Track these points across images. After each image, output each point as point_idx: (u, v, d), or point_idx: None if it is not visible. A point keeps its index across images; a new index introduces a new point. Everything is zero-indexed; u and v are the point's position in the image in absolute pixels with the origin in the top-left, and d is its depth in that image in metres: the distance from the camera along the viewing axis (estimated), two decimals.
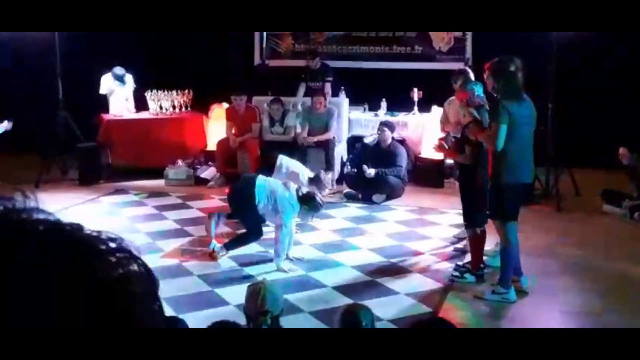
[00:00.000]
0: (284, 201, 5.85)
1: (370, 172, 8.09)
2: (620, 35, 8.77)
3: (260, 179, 6.12)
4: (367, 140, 8.34)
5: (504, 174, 5.02)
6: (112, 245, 0.63)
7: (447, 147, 6.14)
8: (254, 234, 6.14)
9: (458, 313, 5.03)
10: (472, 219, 5.55)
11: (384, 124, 8.41)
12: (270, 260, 5.95)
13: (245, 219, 6.22)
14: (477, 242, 5.59)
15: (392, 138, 8.40)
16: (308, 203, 5.92)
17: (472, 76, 6.34)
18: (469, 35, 10.12)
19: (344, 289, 5.41)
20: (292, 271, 5.77)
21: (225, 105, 9.67)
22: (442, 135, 6.83)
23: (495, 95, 5.20)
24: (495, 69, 5.19)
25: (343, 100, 9.70)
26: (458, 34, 10.20)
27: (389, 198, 8.17)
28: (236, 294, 4.89)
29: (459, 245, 6.40)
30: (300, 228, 6.72)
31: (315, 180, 6.87)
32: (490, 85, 5.23)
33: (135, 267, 0.63)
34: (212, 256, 6.07)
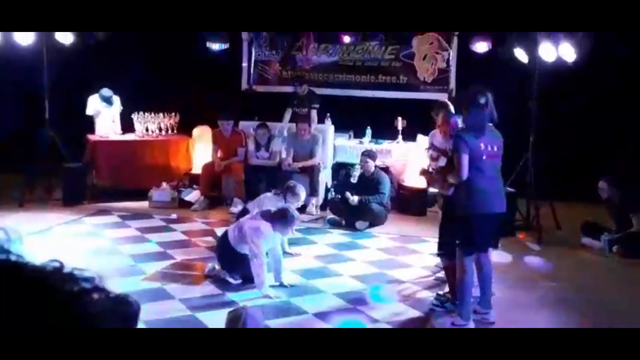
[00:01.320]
0: (248, 229, 5.86)
1: (354, 199, 8.16)
2: (602, 64, 8.93)
3: (229, 229, 6.16)
4: (353, 176, 8.34)
5: (472, 205, 5.10)
6: (87, 285, 0.67)
7: (431, 172, 6.15)
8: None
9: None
10: (451, 249, 5.54)
11: (366, 154, 8.47)
12: (253, 287, 5.95)
13: (241, 270, 6.07)
14: (453, 272, 5.60)
15: (375, 166, 8.49)
16: (281, 217, 5.95)
17: (452, 108, 6.44)
18: (452, 66, 10.29)
19: (324, 315, 5.43)
20: (277, 298, 5.76)
21: (208, 128, 9.74)
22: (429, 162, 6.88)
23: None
24: (463, 99, 5.33)
25: (329, 127, 9.80)
26: (442, 65, 10.37)
27: (371, 225, 8.23)
28: (217, 319, 4.91)
29: (440, 275, 6.45)
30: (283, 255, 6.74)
31: (289, 189, 6.93)
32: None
33: (107, 305, 0.67)
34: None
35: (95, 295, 0.66)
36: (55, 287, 0.65)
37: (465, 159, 5.00)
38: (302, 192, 7.11)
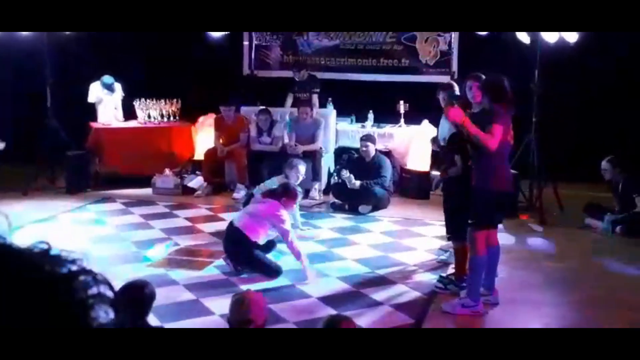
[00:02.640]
0: (266, 218, 5.93)
1: (355, 183, 8.15)
2: (604, 46, 8.90)
3: (234, 215, 6.15)
4: (347, 179, 8.29)
5: (492, 181, 5.10)
6: (74, 267, 0.66)
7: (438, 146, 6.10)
8: (273, 273, 5.95)
9: (441, 324, 5.09)
10: (461, 232, 5.51)
11: (365, 139, 8.46)
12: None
13: (252, 264, 6.01)
14: (463, 254, 5.61)
15: (376, 150, 8.48)
16: (284, 193, 6.05)
17: (457, 90, 6.41)
18: (454, 49, 10.25)
19: (328, 299, 5.45)
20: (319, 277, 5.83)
21: (213, 116, 9.73)
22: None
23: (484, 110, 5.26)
24: (488, 82, 5.27)
25: (330, 111, 9.78)
26: (444, 47, 10.32)
27: (374, 209, 8.24)
28: (221, 304, 4.92)
29: (443, 257, 6.47)
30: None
31: (287, 165, 7.09)
32: (483, 99, 5.29)
33: (95, 289, 0.66)
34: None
35: (83, 278, 0.66)
36: (40, 268, 0.64)
37: (501, 130, 4.98)
38: (301, 165, 7.19)
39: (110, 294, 0.67)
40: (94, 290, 0.66)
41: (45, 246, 0.66)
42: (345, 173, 8.17)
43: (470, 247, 5.25)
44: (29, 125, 9.55)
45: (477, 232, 5.16)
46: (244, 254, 5.96)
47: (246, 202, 7.04)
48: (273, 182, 7.02)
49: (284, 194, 6.09)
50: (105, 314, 0.65)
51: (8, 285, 0.61)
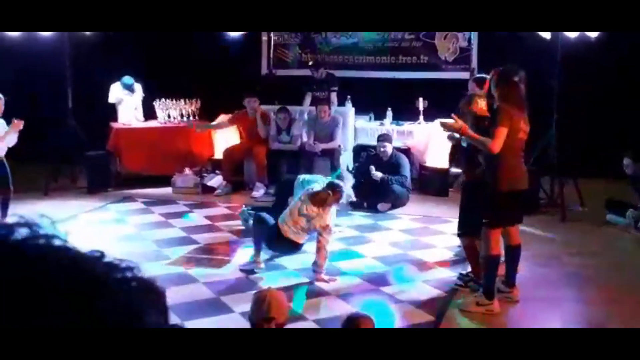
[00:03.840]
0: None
1: (377, 174, 8.12)
2: (625, 42, 8.80)
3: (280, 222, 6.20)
4: (373, 175, 8.30)
5: (503, 181, 5.06)
6: (129, 274, 0.67)
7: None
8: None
9: (461, 322, 5.07)
10: (472, 229, 5.49)
11: (382, 139, 8.41)
12: (276, 269, 6.03)
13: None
14: (473, 251, 5.57)
15: (393, 148, 8.45)
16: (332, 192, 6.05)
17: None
18: (474, 45, 10.19)
19: (348, 297, 5.45)
20: (331, 281, 5.83)
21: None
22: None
23: (495, 105, 5.22)
24: (500, 76, 5.23)
25: (349, 109, 9.77)
26: (463, 43, 10.27)
27: (393, 207, 8.22)
28: (241, 302, 4.95)
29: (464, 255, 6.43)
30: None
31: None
32: (494, 92, 5.26)
33: (149, 296, 0.67)
34: None
35: (135, 284, 0.66)
36: (103, 276, 0.65)
37: (504, 132, 4.93)
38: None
39: (160, 300, 0.68)
40: (147, 297, 0.66)
41: (98, 254, 0.68)
42: (372, 169, 8.17)
43: (484, 245, 5.22)
44: (49, 124, 9.62)
45: (490, 231, 5.14)
46: (286, 253, 6.34)
47: (279, 195, 7.13)
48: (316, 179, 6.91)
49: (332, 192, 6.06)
50: (156, 319, 0.66)
51: (66, 287, 0.62)
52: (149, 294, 0.68)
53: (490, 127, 5.03)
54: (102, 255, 0.67)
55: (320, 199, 5.97)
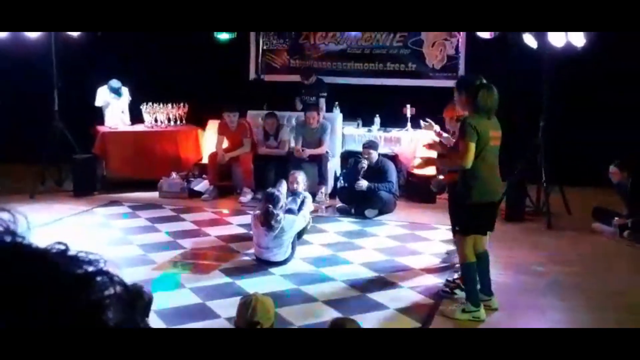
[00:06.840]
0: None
1: (362, 184, 8.14)
2: (611, 50, 8.86)
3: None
4: (362, 168, 8.31)
5: (473, 193, 5.07)
6: (91, 268, 0.66)
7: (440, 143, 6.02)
8: None
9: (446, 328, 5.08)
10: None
11: (367, 146, 8.40)
12: (263, 275, 6.02)
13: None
14: None
15: (379, 154, 8.46)
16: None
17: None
18: (462, 53, 10.24)
19: (334, 303, 5.45)
20: None
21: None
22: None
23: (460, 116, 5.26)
24: (457, 86, 5.27)
25: (337, 115, 9.79)
26: (451, 52, 10.31)
27: (381, 213, 8.23)
28: (227, 307, 4.94)
29: (453, 261, 6.45)
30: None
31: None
32: (459, 101, 5.29)
33: (112, 290, 0.66)
34: None
35: (100, 279, 0.65)
36: (58, 268, 0.64)
37: (472, 147, 4.94)
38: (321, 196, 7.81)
39: (126, 295, 0.67)
40: (110, 291, 0.65)
41: (62, 247, 0.67)
42: (364, 162, 8.17)
43: (459, 253, 5.26)
44: (36, 127, 9.57)
45: (463, 237, 5.18)
46: None
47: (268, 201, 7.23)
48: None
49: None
50: (120, 315, 0.65)
51: (25, 285, 0.61)
52: (114, 287, 0.66)
53: (457, 143, 5.07)
54: (66, 249, 0.67)
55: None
